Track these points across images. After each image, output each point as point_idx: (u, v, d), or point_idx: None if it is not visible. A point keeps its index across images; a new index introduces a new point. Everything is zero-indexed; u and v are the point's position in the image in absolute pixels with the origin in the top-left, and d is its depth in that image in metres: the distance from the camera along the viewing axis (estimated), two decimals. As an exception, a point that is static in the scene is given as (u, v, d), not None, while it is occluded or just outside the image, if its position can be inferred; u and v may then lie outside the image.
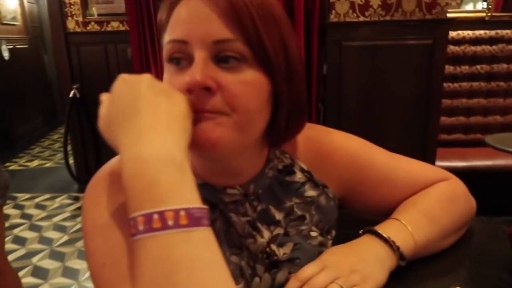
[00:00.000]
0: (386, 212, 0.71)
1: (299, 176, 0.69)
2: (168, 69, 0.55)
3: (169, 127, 0.45)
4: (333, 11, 2.22)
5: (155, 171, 0.42)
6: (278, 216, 0.66)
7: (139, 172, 0.42)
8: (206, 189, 0.62)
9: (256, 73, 0.52)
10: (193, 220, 0.40)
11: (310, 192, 0.69)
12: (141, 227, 0.40)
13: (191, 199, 0.42)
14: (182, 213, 0.40)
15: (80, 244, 2.72)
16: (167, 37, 0.54)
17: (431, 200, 0.69)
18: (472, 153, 2.71)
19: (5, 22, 4.98)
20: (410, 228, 0.63)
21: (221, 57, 0.51)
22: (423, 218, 0.66)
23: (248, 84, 0.51)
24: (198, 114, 0.50)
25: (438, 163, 2.41)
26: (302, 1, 2.29)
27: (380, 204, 0.72)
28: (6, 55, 4.94)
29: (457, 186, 0.73)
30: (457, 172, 0.76)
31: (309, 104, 2.49)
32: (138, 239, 0.40)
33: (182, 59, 0.53)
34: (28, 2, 5.72)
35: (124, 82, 0.49)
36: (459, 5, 3.23)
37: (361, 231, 0.65)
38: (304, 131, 0.69)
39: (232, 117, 0.51)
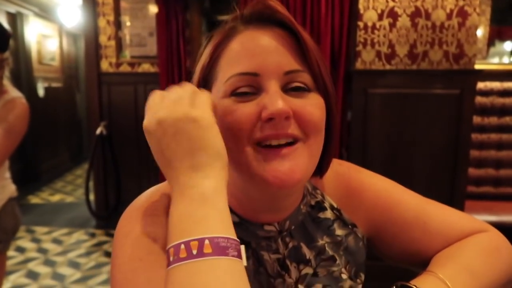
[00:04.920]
0: (417, 260, 0.66)
1: (329, 213, 0.67)
2: (228, 102, 0.54)
3: (207, 167, 0.47)
4: (359, 59, 2.25)
5: (185, 207, 0.45)
6: (309, 254, 0.64)
7: (174, 210, 0.46)
8: (241, 228, 0.61)
9: (318, 96, 0.57)
10: (218, 249, 0.42)
11: (339, 231, 0.66)
12: (171, 258, 0.42)
13: (218, 230, 0.43)
14: (207, 242, 0.42)
15: (91, 282, 2.67)
16: (228, 71, 0.55)
17: (471, 253, 0.63)
18: (502, 207, 2.59)
19: (44, 62, 5.29)
20: (449, 284, 0.57)
21: (291, 87, 0.55)
22: (464, 273, 0.59)
23: (316, 106, 0.56)
24: (274, 151, 0.53)
25: (467, 216, 2.30)
26: (328, 47, 2.35)
27: (411, 249, 0.67)
28: (41, 92, 5.20)
29: (498, 238, 0.67)
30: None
31: (332, 149, 2.47)
32: (169, 270, 0.42)
33: (249, 93, 0.54)
34: (67, 44, 6.10)
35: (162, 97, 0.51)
36: (484, 57, 3.24)
37: (394, 287, 0.58)
38: (334, 167, 0.68)
39: (306, 143, 0.55)
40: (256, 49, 0.54)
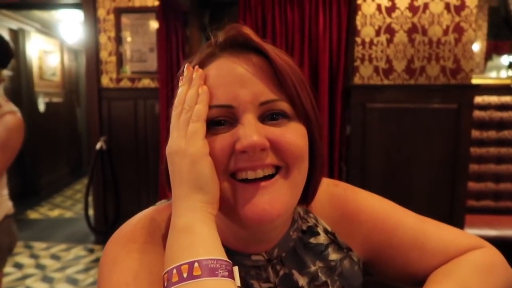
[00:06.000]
0: (415, 280, 0.66)
1: (323, 238, 0.65)
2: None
3: (190, 199, 0.50)
4: (357, 74, 2.27)
5: (174, 237, 0.48)
6: (302, 281, 0.62)
7: (168, 239, 0.49)
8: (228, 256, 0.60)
9: (298, 124, 0.55)
10: (208, 271, 0.43)
11: (334, 256, 0.65)
12: (165, 284, 0.44)
13: (206, 252, 0.45)
14: (196, 265, 0.44)
15: (90, 299, 2.64)
16: None
17: (467, 270, 0.63)
18: (502, 221, 2.58)
19: (45, 77, 5.33)
20: None
21: (268, 116, 0.53)
22: None
23: (295, 132, 0.54)
24: (252, 186, 0.51)
25: (466, 230, 2.29)
26: (327, 63, 2.37)
27: (408, 270, 0.67)
28: (41, 108, 5.23)
29: (494, 255, 0.67)
30: (487, 241, 0.70)
31: (331, 163, 2.47)
32: None
33: (226, 122, 0.53)
34: (68, 59, 6.15)
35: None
36: (482, 71, 3.27)
37: None
38: (330, 189, 0.68)
39: (287, 173, 0.53)
40: (230, 78, 0.53)
